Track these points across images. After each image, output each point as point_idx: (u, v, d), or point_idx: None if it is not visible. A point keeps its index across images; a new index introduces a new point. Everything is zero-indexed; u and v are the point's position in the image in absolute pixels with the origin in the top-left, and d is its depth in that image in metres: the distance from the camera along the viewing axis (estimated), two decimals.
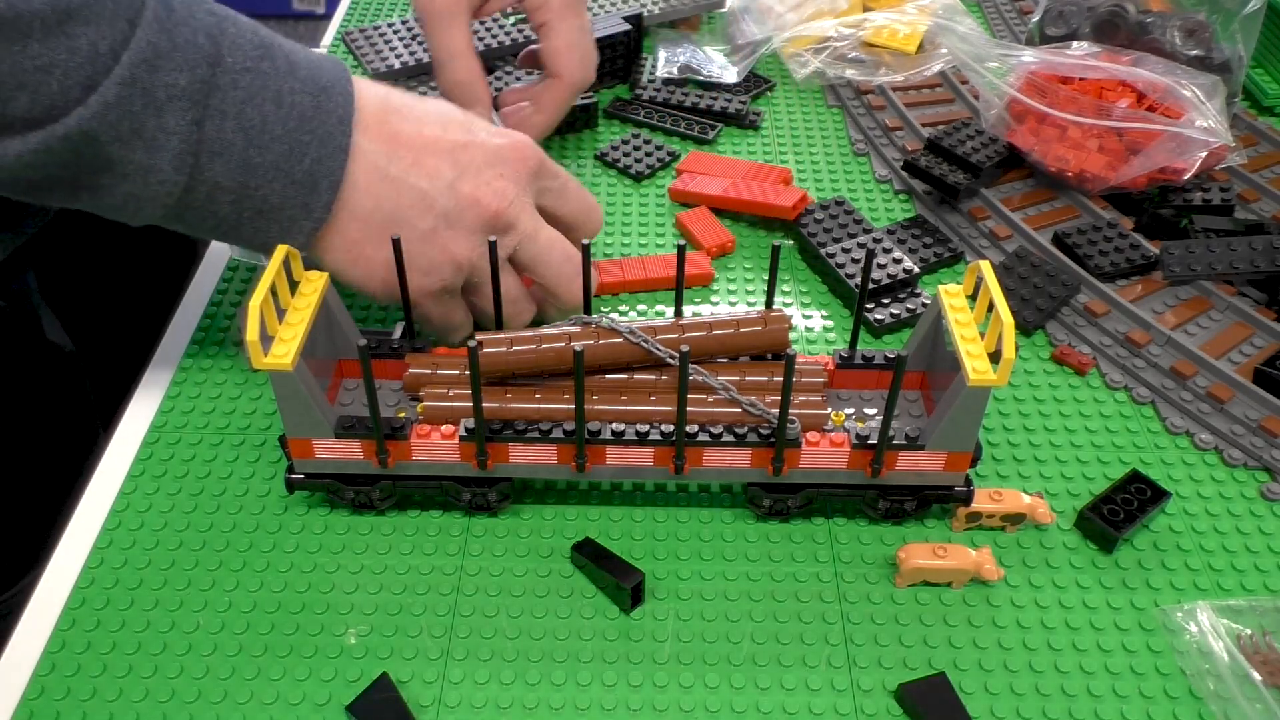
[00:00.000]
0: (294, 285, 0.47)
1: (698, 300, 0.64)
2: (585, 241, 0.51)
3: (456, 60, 0.62)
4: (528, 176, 0.52)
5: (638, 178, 0.73)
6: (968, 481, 0.49)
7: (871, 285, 0.61)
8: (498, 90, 0.73)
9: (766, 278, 0.60)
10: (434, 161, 0.50)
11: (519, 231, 0.52)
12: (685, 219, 0.68)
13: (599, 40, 0.72)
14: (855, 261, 0.64)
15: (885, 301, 0.62)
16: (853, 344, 0.52)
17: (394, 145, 0.49)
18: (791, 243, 0.68)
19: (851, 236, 0.65)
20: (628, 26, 0.80)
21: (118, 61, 0.41)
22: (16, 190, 0.45)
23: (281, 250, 0.45)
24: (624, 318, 0.50)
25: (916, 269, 0.63)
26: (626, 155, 0.74)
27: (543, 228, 0.53)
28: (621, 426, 0.48)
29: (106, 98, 0.42)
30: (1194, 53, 0.76)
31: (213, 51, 0.44)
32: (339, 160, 0.47)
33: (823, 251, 0.64)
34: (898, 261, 0.63)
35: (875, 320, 0.61)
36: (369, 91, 0.49)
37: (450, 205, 0.50)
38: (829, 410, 0.49)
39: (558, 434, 0.47)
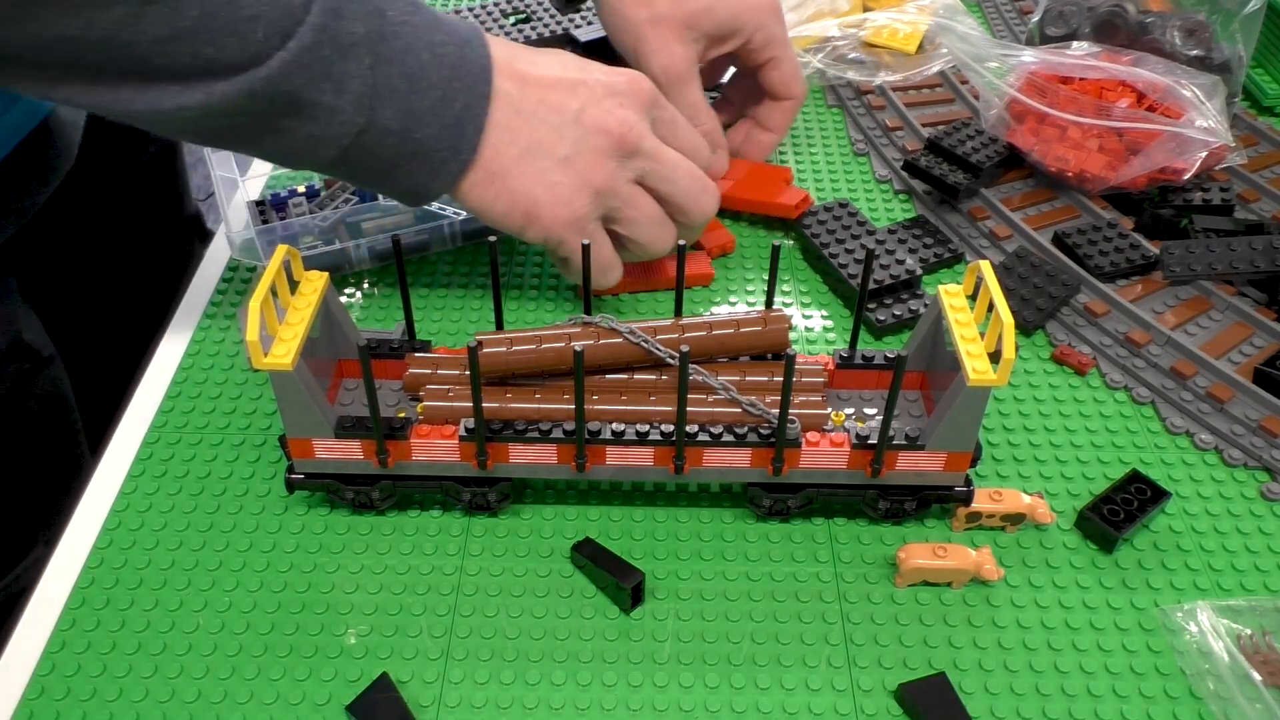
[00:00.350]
0: (294, 285, 0.47)
1: (698, 300, 0.64)
2: (585, 242, 0.51)
3: (700, 114, 0.66)
4: (645, 105, 0.56)
5: None
6: (968, 481, 0.49)
7: (874, 285, 0.61)
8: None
9: (766, 278, 0.60)
10: (559, 96, 0.54)
11: (644, 154, 0.55)
12: None
13: (598, 42, 0.72)
14: (859, 262, 0.64)
15: (887, 302, 0.62)
16: (853, 344, 0.52)
17: (523, 85, 0.53)
18: (792, 243, 0.68)
19: (855, 238, 0.65)
20: None
21: (310, 11, 0.45)
22: (207, 135, 0.50)
23: (281, 250, 0.45)
24: (624, 318, 0.50)
25: (919, 270, 0.62)
26: None
27: (665, 149, 0.56)
28: (621, 426, 0.48)
29: (304, 43, 0.45)
30: (1194, 53, 0.76)
31: (379, 3, 0.48)
32: (483, 105, 0.51)
33: (826, 253, 0.64)
34: (900, 262, 0.62)
35: (877, 320, 0.61)
36: (496, 43, 0.54)
37: (579, 134, 0.53)
38: (829, 410, 0.49)
39: (558, 434, 0.47)
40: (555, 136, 0.53)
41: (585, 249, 0.51)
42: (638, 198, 0.56)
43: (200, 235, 0.91)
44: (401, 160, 0.51)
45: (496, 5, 0.86)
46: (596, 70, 0.55)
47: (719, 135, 0.68)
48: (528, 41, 0.82)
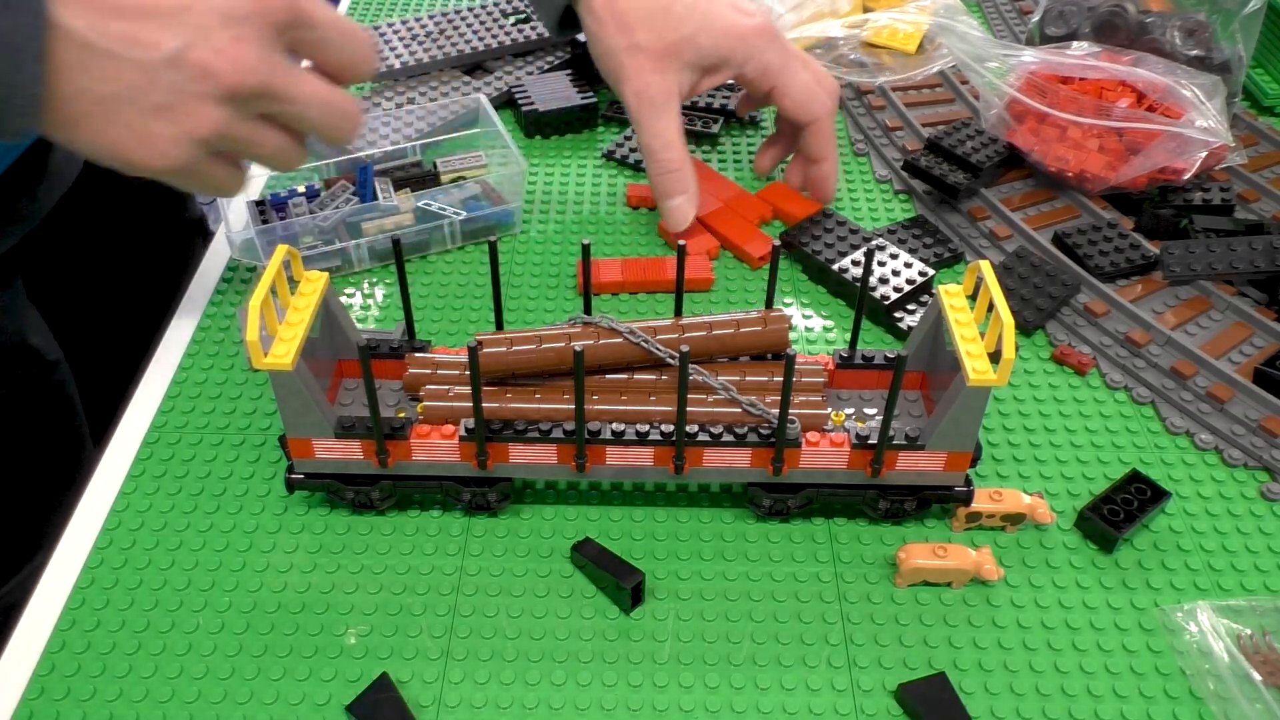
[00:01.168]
0: (294, 285, 0.47)
1: (697, 302, 0.64)
2: (585, 242, 0.51)
3: (670, 149, 0.63)
4: (276, 27, 0.46)
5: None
6: (968, 481, 0.49)
7: (895, 294, 0.61)
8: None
9: (766, 278, 0.60)
10: (153, 30, 0.44)
11: (268, 95, 0.47)
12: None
13: None
14: (857, 264, 0.63)
15: (911, 308, 0.62)
16: (853, 344, 0.52)
17: (102, 16, 0.43)
18: (791, 262, 0.67)
19: (855, 247, 0.65)
20: None
21: None
22: None
23: (281, 250, 0.45)
24: (624, 318, 0.50)
25: (931, 270, 0.62)
26: (635, 150, 0.75)
27: (297, 83, 0.48)
28: (621, 426, 0.48)
29: None
30: (1194, 53, 0.76)
31: None
32: (34, 36, 0.42)
33: (834, 267, 0.63)
34: (909, 266, 0.62)
35: (908, 328, 0.60)
36: None
37: (179, 79, 0.44)
38: (829, 410, 0.49)
39: (558, 434, 0.47)
40: (146, 80, 0.44)
41: (586, 248, 0.51)
42: (257, 134, 0.48)
43: (201, 235, 0.91)
44: None
45: (496, 5, 0.86)
46: None
47: (687, 176, 0.64)
48: (528, 43, 0.82)
